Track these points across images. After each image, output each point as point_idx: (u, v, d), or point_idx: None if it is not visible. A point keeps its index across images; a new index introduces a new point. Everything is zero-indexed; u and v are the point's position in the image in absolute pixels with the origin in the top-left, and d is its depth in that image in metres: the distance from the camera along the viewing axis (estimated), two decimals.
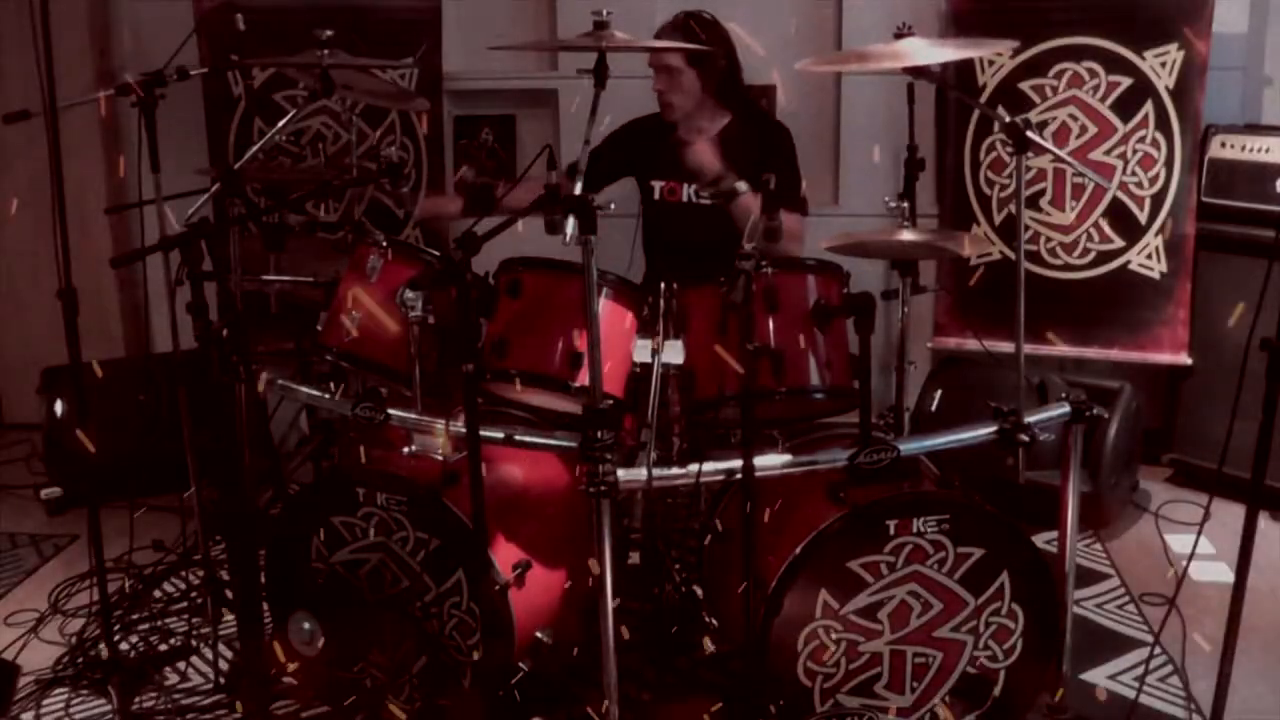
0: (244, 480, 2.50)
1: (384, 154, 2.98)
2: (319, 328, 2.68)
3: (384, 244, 2.61)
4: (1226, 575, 3.10)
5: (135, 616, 3.08)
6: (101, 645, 2.79)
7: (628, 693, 2.56)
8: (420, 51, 4.01)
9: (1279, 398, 2.03)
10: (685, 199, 3.28)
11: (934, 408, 3.74)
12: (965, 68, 3.86)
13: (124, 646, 2.92)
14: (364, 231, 2.71)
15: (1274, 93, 3.90)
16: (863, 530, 2.29)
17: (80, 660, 2.84)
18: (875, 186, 4.04)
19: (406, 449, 2.48)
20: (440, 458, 2.44)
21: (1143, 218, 3.78)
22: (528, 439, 2.47)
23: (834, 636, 2.33)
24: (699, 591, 2.68)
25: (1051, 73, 3.78)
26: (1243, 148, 3.68)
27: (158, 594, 3.22)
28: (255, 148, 2.98)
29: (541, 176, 2.20)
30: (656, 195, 3.32)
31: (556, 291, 2.42)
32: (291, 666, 2.51)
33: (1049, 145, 2.44)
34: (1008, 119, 2.32)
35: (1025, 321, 2.40)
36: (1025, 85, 3.82)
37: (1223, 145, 3.72)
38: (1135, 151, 3.75)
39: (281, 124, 2.92)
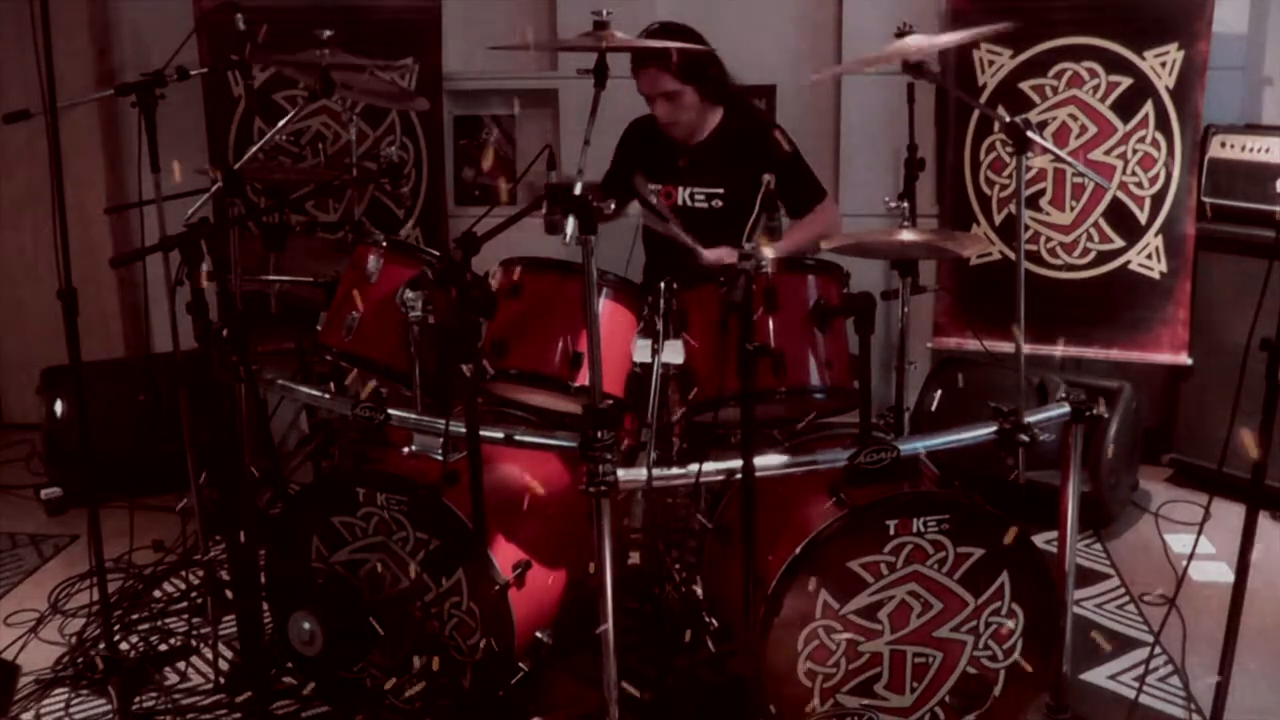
0: (244, 480, 2.50)
1: (384, 154, 2.98)
2: (319, 328, 2.68)
3: (384, 244, 2.62)
4: (1226, 575, 3.10)
5: (135, 616, 3.08)
6: (102, 645, 2.79)
7: (628, 693, 2.55)
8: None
9: (1279, 398, 2.03)
10: (680, 203, 3.28)
11: (934, 408, 3.75)
12: (965, 67, 3.86)
13: (124, 646, 2.92)
14: (364, 231, 2.71)
15: (1274, 93, 3.90)
16: (863, 530, 2.29)
17: (80, 660, 2.84)
18: (875, 186, 4.04)
19: (407, 449, 2.48)
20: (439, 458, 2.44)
21: (1143, 217, 3.78)
22: (528, 439, 2.47)
23: (834, 636, 2.33)
24: (699, 591, 2.68)
25: (1051, 73, 3.78)
26: (1243, 148, 3.68)
27: (158, 594, 3.22)
28: (255, 148, 2.99)
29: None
30: (653, 199, 3.32)
31: (556, 291, 2.42)
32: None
33: (1049, 145, 2.44)
34: (1008, 119, 2.32)
35: (1025, 321, 2.40)
36: (1025, 85, 3.82)
37: (1223, 145, 3.72)
38: (1135, 151, 3.75)
39: (281, 124, 2.92)
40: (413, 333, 2.42)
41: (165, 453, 3.17)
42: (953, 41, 2.40)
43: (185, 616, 3.07)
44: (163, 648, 2.93)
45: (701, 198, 3.23)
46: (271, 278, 2.99)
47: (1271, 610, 3.03)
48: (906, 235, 2.51)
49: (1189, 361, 3.78)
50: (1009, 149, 2.31)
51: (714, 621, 2.58)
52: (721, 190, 3.21)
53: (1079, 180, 3.78)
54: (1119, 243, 3.81)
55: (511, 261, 2.49)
